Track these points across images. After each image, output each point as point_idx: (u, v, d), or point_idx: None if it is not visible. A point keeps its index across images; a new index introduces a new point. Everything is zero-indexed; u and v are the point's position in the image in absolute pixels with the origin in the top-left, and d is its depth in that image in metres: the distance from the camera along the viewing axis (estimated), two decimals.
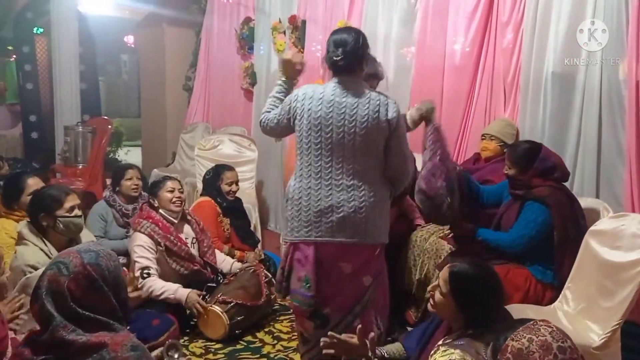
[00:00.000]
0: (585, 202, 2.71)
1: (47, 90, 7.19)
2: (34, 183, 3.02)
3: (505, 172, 2.72)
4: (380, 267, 2.48)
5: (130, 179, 3.61)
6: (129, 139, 9.21)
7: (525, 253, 2.61)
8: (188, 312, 3.00)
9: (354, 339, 1.90)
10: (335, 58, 2.34)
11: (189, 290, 3.01)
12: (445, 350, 1.61)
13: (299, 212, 2.39)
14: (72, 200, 2.58)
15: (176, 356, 1.72)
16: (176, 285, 3.02)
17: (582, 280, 2.47)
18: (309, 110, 2.34)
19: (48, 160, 6.16)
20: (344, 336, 1.92)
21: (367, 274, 2.43)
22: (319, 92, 2.36)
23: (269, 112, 2.53)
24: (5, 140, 7.24)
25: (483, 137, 3.22)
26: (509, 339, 1.26)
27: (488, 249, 2.65)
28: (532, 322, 1.28)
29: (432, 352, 1.68)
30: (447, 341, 1.69)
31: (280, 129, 2.52)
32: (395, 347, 2.03)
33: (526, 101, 3.21)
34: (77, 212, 2.58)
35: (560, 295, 2.52)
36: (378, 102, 2.32)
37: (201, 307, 2.96)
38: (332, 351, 1.89)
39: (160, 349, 1.77)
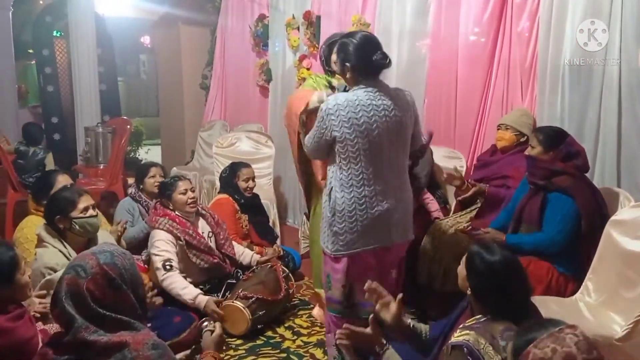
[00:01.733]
0: (605, 191, 2.67)
1: (68, 92, 7.31)
2: (63, 180, 3.09)
3: (528, 152, 2.70)
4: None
5: (153, 176, 3.67)
6: (149, 138, 9.34)
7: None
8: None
9: (368, 329, 1.90)
10: (383, 61, 2.28)
11: (207, 297, 2.98)
12: (461, 331, 1.62)
13: (354, 223, 2.31)
14: (85, 201, 2.57)
15: (205, 324, 1.81)
16: (197, 291, 3.00)
17: (604, 271, 2.44)
18: (348, 119, 2.24)
19: (70, 161, 6.27)
20: (358, 328, 1.93)
21: (398, 269, 2.50)
22: (351, 99, 2.27)
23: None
24: None
25: (499, 128, 3.18)
26: (531, 345, 1.19)
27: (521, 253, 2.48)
28: (558, 330, 1.20)
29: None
30: (467, 324, 1.68)
31: (324, 147, 2.38)
32: (424, 326, 2.03)
33: (544, 91, 3.16)
34: (91, 212, 2.57)
35: (582, 287, 2.49)
36: (404, 97, 2.37)
37: (218, 315, 2.93)
38: (347, 342, 1.89)
39: (185, 352, 1.80)
